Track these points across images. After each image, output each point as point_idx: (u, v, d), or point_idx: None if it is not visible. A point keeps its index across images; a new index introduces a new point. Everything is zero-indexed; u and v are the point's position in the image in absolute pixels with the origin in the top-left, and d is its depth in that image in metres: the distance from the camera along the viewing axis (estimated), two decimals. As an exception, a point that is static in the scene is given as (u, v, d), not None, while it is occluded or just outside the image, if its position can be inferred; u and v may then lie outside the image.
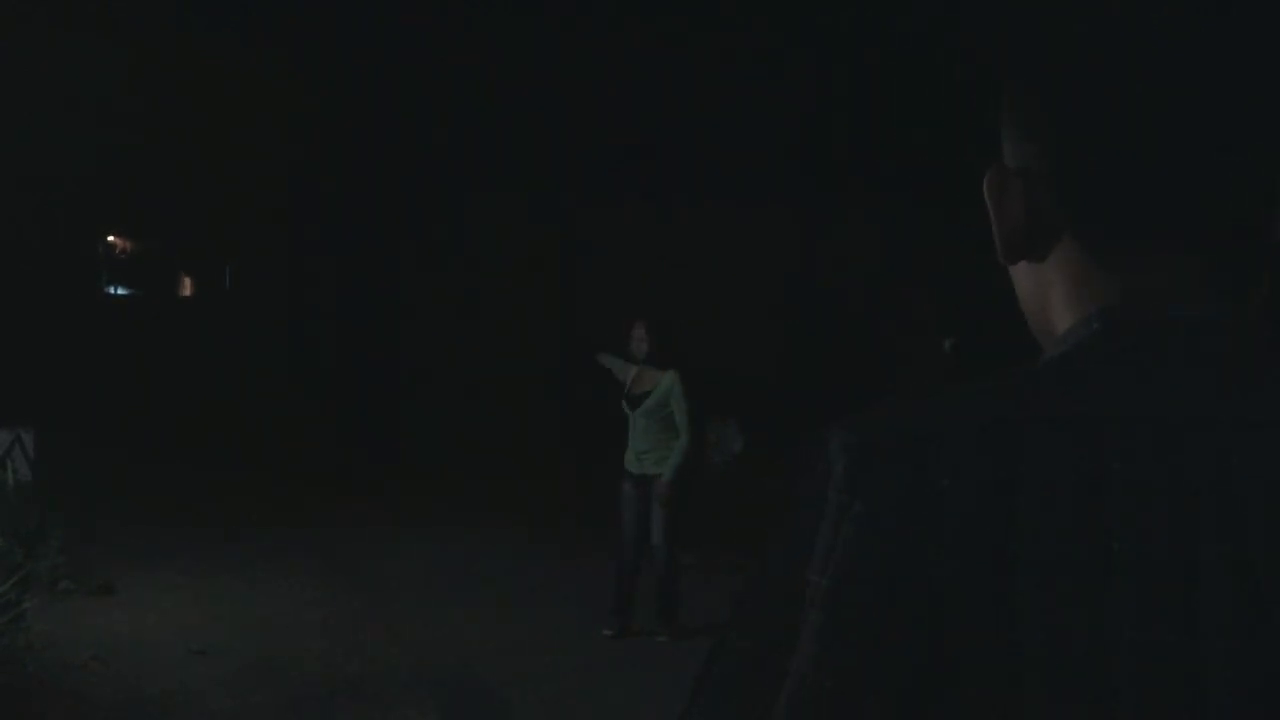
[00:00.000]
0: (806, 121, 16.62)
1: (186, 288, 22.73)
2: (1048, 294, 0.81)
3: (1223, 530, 0.66)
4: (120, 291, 21.51)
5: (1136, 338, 0.74)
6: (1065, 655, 0.65)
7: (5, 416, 8.06)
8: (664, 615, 6.39)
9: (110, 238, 20.71)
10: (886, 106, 16.35)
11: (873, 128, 16.48)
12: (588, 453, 6.58)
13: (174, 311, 20.25)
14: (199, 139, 17.15)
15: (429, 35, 16.57)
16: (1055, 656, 0.65)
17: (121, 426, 12.44)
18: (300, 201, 17.71)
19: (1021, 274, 0.84)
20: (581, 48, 16.25)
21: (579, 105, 16.51)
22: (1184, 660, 0.65)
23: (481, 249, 17.54)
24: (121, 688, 5.37)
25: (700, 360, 6.71)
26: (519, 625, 6.59)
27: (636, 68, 16.20)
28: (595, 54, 16.20)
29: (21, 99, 14.36)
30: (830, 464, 0.72)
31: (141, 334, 17.57)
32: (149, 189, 17.64)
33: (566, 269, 17.30)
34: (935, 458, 0.69)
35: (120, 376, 15.10)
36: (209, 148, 17.21)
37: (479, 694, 5.62)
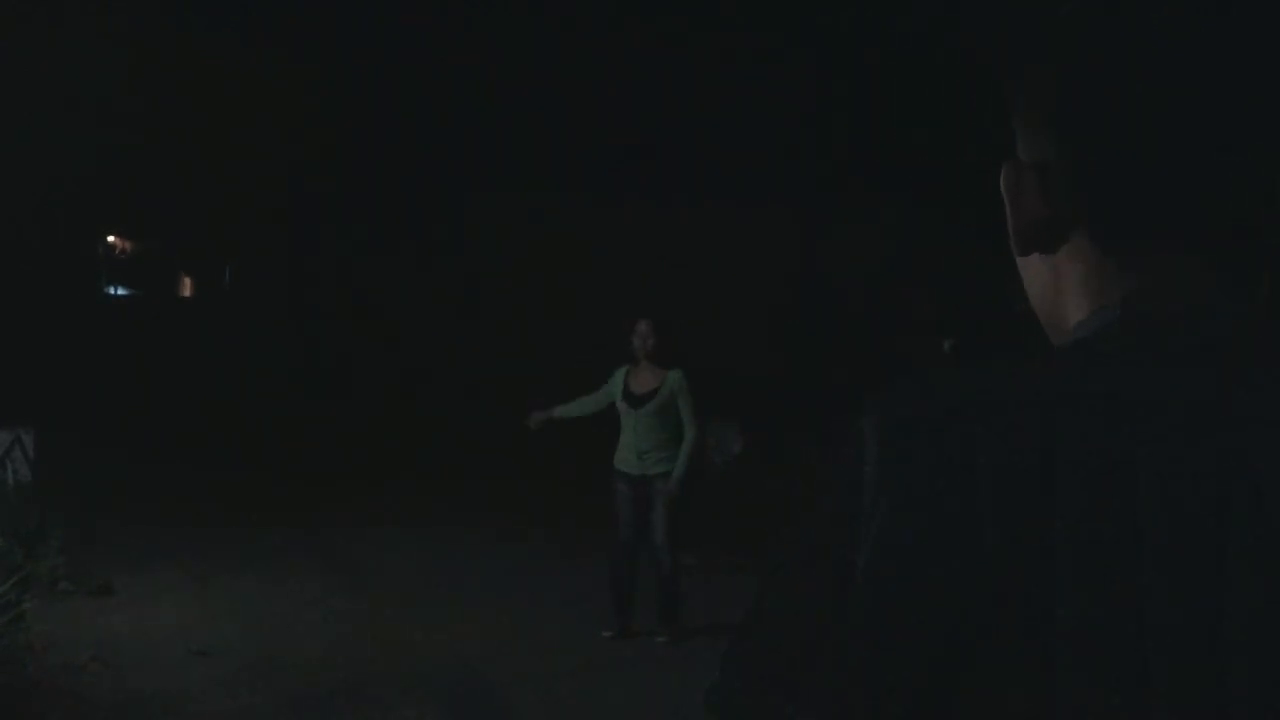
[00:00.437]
0: (807, 121, 16.63)
1: (186, 288, 22.74)
2: (1060, 285, 0.83)
3: (1248, 518, 0.67)
4: (120, 292, 21.52)
5: (1158, 326, 0.75)
6: (1098, 636, 0.66)
7: (5, 416, 8.06)
8: (664, 616, 6.38)
9: (110, 238, 20.72)
10: (887, 107, 16.36)
11: (873, 128, 16.49)
12: (588, 453, 6.58)
13: (174, 311, 20.26)
14: (199, 139, 17.15)
15: (429, 35, 16.57)
16: (1088, 636, 0.66)
17: (121, 426, 12.44)
18: (300, 201, 17.72)
19: (1033, 265, 0.86)
20: (582, 48, 16.26)
21: (579, 105, 16.52)
22: (1212, 646, 0.66)
23: (481, 249, 17.55)
24: (121, 688, 5.37)
25: (698, 359, 6.71)
26: (519, 625, 6.59)
27: (637, 68, 16.21)
28: (595, 54, 16.20)
29: (22, 99, 14.35)
30: (862, 441, 0.73)
31: (141, 334, 17.57)
32: (149, 189, 17.65)
33: (566, 269, 17.30)
34: (971, 434, 0.70)
35: (120, 376, 15.10)
36: (209, 148, 17.22)
37: (479, 694, 5.62)
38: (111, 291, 21.42)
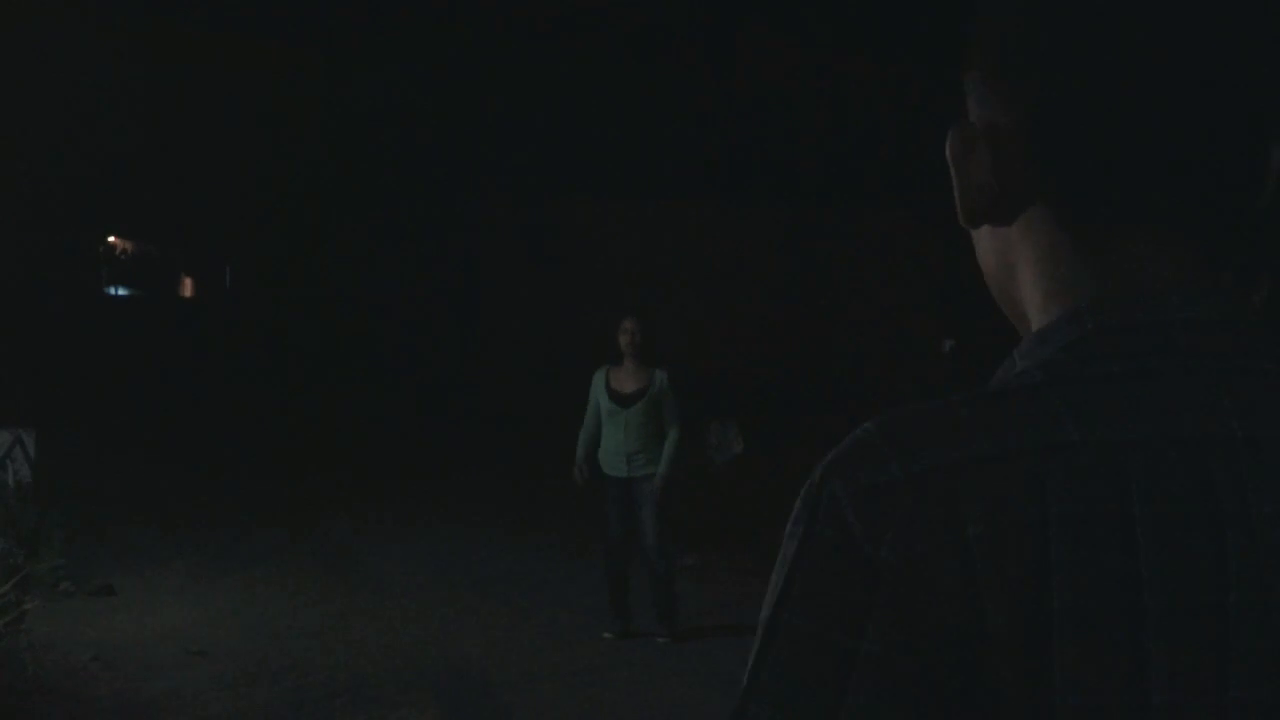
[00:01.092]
0: (809, 120, 16.63)
1: (187, 288, 22.74)
2: (1012, 261, 0.75)
3: (1247, 563, 0.63)
4: (120, 292, 21.53)
5: (1140, 342, 0.67)
6: (1101, 715, 0.61)
7: (5, 417, 8.06)
8: (662, 616, 6.38)
9: (110, 238, 20.72)
10: (888, 106, 16.36)
11: (874, 128, 16.50)
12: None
13: (174, 311, 20.26)
14: (200, 139, 17.16)
15: (431, 35, 16.58)
16: (1091, 715, 0.61)
17: (122, 427, 12.45)
18: (300, 202, 17.73)
19: (983, 239, 0.78)
20: (585, 48, 16.26)
21: (582, 103, 16.52)
22: (1218, 714, 0.61)
23: (480, 247, 17.55)
24: (122, 689, 5.37)
25: (699, 359, 6.71)
26: (519, 625, 6.59)
27: (638, 66, 16.21)
28: (597, 52, 16.21)
29: (22, 99, 14.36)
30: (838, 511, 0.65)
31: (141, 334, 17.59)
32: (149, 189, 17.65)
33: (566, 268, 17.30)
34: (954, 497, 0.63)
35: (120, 376, 15.11)
36: (210, 148, 17.23)
37: (479, 694, 5.62)
38: (111, 291, 21.43)
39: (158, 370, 15.81)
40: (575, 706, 5.39)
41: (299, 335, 17.49)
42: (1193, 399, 0.65)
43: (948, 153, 0.75)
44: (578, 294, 16.67)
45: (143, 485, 9.98)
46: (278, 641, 6.13)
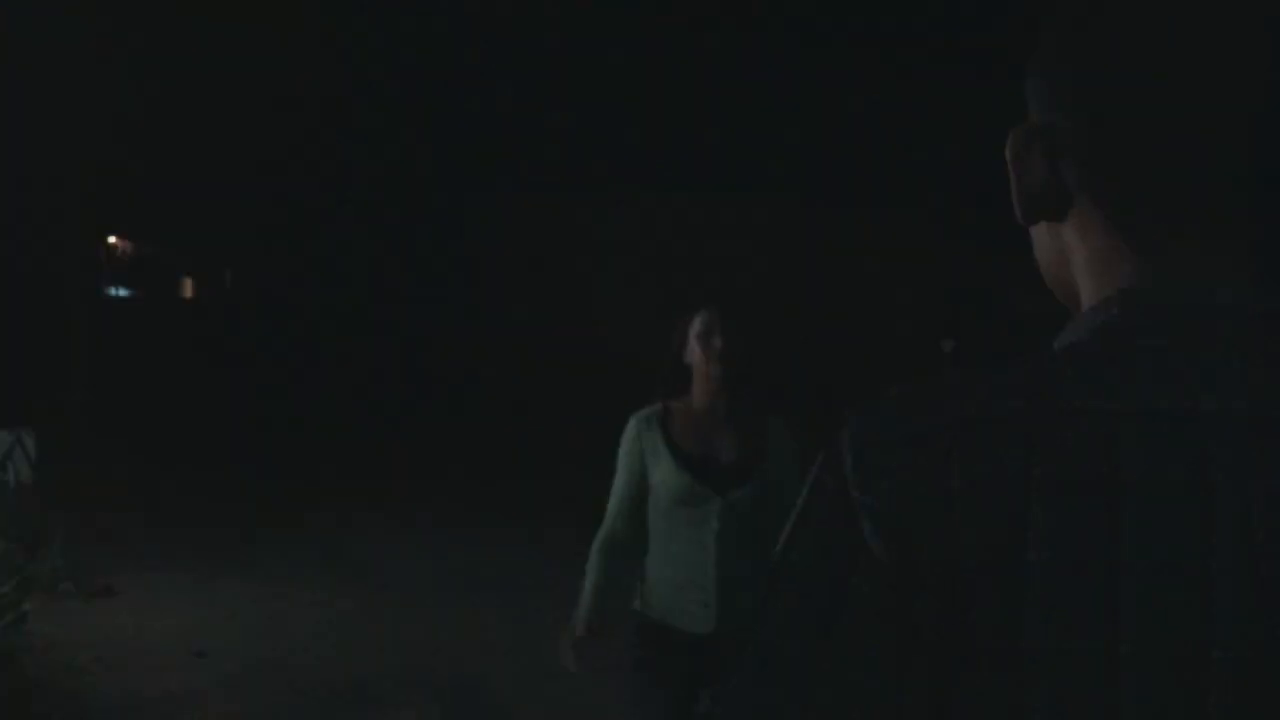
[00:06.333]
0: (811, 120, 16.63)
1: (187, 289, 22.73)
2: (1068, 256, 0.80)
3: (1237, 535, 0.64)
4: (121, 292, 21.51)
5: (1156, 324, 0.71)
6: (1070, 667, 0.64)
7: (5, 417, 8.06)
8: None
9: (111, 239, 20.72)
10: (891, 107, 16.37)
11: (877, 128, 16.50)
12: (591, 452, 6.58)
13: (174, 312, 20.25)
14: (200, 140, 17.16)
15: (431, 36, 16.58)
16: (1060, 666, 0.64)
17: (122, 427, 12.44)
18: (300, 202, 17.73)
19: (1040, 235, 0.82)
20: (590, 45, 16.27)
21: (586, 102, 16.53)
22: (1192, 674, 0.63)
23: (485, 246, 17.55)
24: (122, 689, 5.37)
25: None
26: (519, 625, 6.58)
27: (643, 65, 16.22)
28: (603, 50, 16.21)
29: (22, 99, 14.37)
30: (840, 459, 0.72)
31: (141, 334, 17.59)
32: (149, 189, 17.65)
33: (567, 269, 17.30)
34: (947, 455, 0.68)
35: (120, 377, 15.11)
36: (211, 149, 17.23)
37: (479, 694, 5.62)
38: (112, 292, 21.43)
39: (158, 371, 15.81)
40: (575, 707, 5.39)
41: (300, 336, 17.48)
42: (1197, 377, 0.68)
43: (1007, 152, 0.79)
44: (582, 291, 16.67)
45: (143, 485, 9.97)
46: (278, 642, 6.13)
